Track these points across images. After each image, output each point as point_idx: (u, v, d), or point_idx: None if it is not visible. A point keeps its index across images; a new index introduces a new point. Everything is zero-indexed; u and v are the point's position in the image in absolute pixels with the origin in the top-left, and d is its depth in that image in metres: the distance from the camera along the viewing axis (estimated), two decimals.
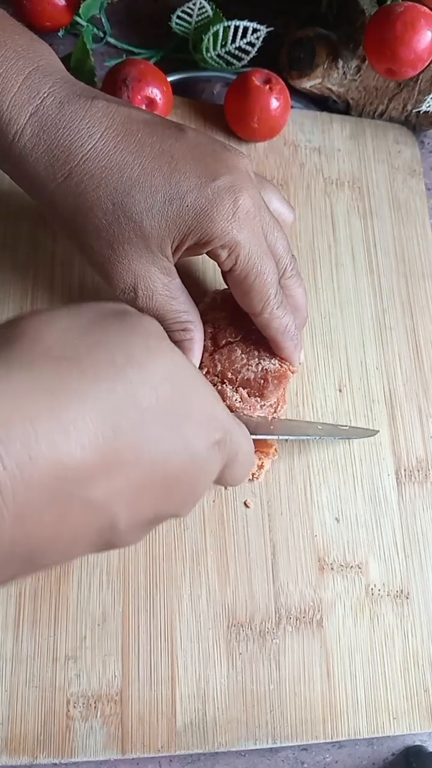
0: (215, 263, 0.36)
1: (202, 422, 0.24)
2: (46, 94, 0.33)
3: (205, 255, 0.36)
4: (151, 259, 0.35)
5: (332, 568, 0.41)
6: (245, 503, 0.41)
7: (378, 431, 0.45)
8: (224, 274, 0.36)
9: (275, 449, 0.40)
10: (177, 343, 0.38)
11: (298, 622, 0.40)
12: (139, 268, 0.35)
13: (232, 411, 0.39)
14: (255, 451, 0.40)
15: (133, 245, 0.34)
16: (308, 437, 0.41)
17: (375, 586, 0.41)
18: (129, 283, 0.35)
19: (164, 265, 0.35)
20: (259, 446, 0.40)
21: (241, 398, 0.39)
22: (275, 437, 0.40)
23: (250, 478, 0.40)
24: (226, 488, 0.41)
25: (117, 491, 0.21)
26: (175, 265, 0.36)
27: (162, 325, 0.37)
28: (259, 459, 0.40)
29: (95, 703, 0.36)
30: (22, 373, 0.20)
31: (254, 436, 0.39)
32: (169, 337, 0.38)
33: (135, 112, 0.34)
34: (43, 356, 0.21)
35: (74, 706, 0.36)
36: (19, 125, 0.32)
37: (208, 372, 0.40)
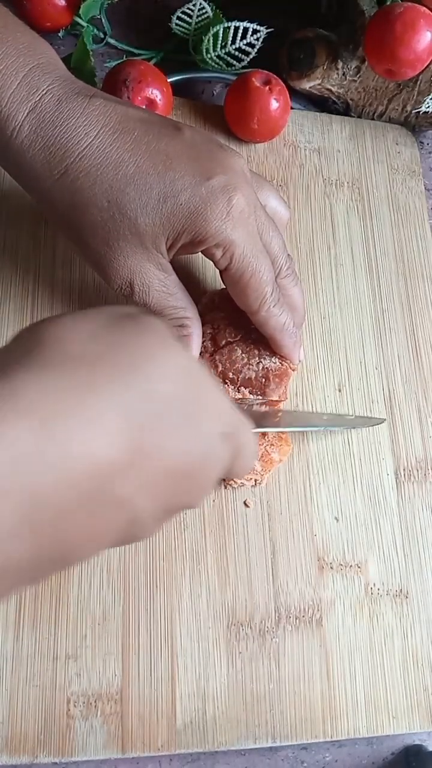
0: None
1: (214, 415, 0.25)
2: (44, 92, 0.33)
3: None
4: (146, 256, 0.35)
5: (332, 568, 0.41)
6: (245, 503, 0.41)
7: (384, 420, 0.45)
8: (221, 273, 0.37)
9: (287, 440, 0.40)
10: None
11: (297, 621, 0.40)
12: (134, 264, 0.35)
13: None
14: (269, 453, 0.40)
15: (128, 242, 0.34)
16: (314, 428, 0.42)
17: (374, 585, 0.41)
18: (125, 279, 0.35)
19: (160, 262, 0.35)
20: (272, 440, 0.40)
21: (243, 398, 0.39)
22: (281, 429, 0.40)
23: (254, 483, 0.41)
24: (225, 486, 0.41)
25: (141, 485, 0.22)
26: (175, 266, 0.37)
27: None
28: (278, 457, 0.40)
29: (95, 702, 0.37)
30: (51, 375, 0.20)
31: (261, 429, 0.40)
32: None
33: (132, 111, 0.35)
34: (68, 358, 0.21)
35: (74, 705, 0.36)
36: (17, 121, 0.32)
37: None
